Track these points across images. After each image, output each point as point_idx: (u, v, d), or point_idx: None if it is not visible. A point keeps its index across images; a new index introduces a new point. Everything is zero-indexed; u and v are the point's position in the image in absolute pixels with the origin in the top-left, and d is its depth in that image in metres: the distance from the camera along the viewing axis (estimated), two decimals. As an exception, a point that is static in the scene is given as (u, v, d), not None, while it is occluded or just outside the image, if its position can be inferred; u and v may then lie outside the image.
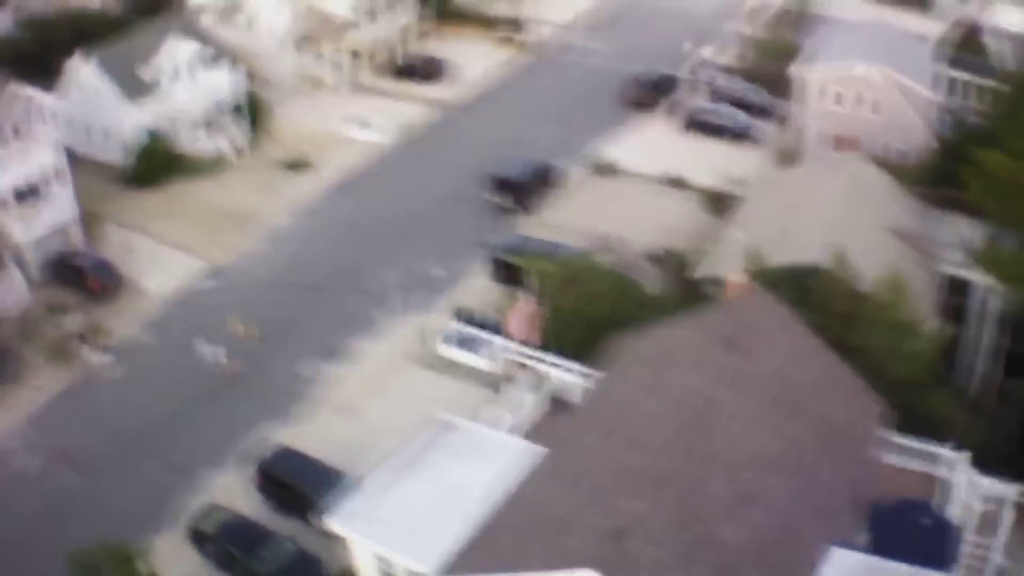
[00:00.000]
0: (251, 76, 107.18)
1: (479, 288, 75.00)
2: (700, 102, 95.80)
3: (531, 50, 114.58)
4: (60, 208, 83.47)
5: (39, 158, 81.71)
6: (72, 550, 50.31)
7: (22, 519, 61.62)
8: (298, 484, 57.89)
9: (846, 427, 40.18)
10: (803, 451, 37.70)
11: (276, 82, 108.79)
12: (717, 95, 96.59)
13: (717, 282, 53.87)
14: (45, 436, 67.48)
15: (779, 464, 36.79)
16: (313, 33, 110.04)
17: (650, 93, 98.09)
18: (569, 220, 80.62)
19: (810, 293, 50.69)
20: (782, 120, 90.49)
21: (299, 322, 75.08)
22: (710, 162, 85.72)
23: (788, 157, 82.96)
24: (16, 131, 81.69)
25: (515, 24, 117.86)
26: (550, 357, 56.64)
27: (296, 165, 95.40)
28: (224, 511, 58.37)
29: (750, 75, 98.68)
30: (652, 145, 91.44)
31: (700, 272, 62.66)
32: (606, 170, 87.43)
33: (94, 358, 73.23)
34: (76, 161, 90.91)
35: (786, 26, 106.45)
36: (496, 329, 65.74)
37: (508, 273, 71.36)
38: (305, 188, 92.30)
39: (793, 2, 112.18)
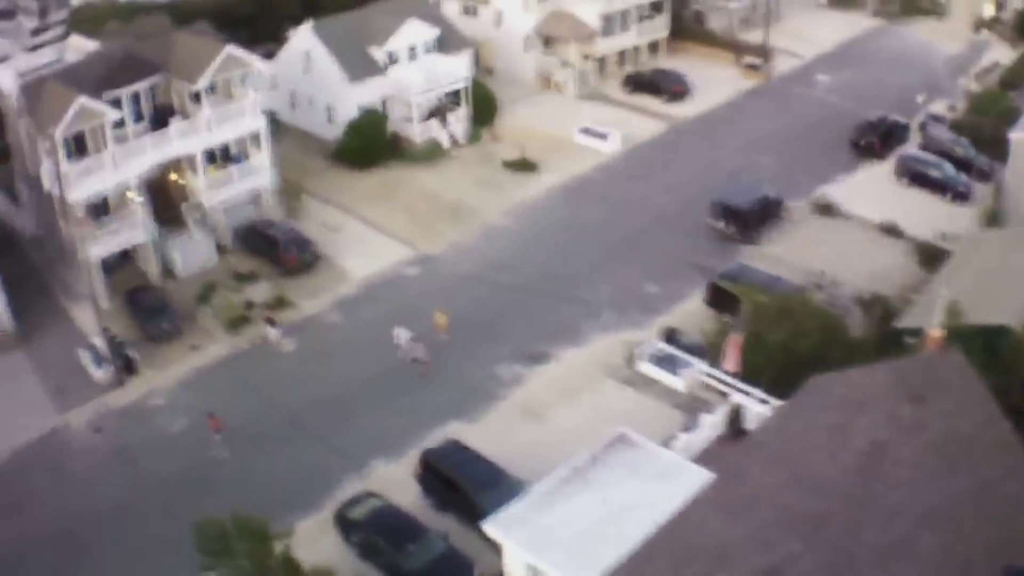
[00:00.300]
0: (487, 71, 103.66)
1: (691, 311, 69.65)
2: (916, 152, 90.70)
3: (766, 78, 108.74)
4: (257, 175, 79.05)
5: (241, 123, 77.32)
6: (200, 519, 44.32)
7: (158, 480, 57.07)
8: (461, 480, 52.53)
9: (1001, 489, 38.47)
10: (956, 507, 36.67)
11: (512, 80, 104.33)
12: (934, 147, 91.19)
13: (917, 334, 54.29)
14: (197, 399, 62.66)
15: (932, 517, 35.87)
16: (557, 36, 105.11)
17: (879, 138, 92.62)
18: (786, 254, 76.05)
19: (998, 355, 50.55)
20: (992, 180, 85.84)
21: (500, 321, 69.51)
22: (924, 213, 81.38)
23: (993, 218, 79.38)
24: (220, 92, 77.88)
25: (754, 50, 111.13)
26: (743, 385, 55.81)
27: (519, 165, 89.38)
28: (378, 499, 52.84)
29: (969, 132, 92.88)
30: (872, 190, 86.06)
31: (902, 322, 61.34)
32: (826, 209, 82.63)
33: (270, 331, 67.95)
34: (283, 130, 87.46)
35: (1011, 87, 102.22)
36: (700, 352, 62.96)
37: (722, 299, 67.21)
38: (526, 189, 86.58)
39: (1020, 65, 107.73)
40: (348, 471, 56.20)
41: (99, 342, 65.54)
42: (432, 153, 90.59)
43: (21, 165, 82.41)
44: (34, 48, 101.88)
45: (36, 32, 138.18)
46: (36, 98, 71.71)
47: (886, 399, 39.65)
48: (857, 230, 79.53)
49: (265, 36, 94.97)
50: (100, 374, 64.84)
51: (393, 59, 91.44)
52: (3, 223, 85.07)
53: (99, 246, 71.01)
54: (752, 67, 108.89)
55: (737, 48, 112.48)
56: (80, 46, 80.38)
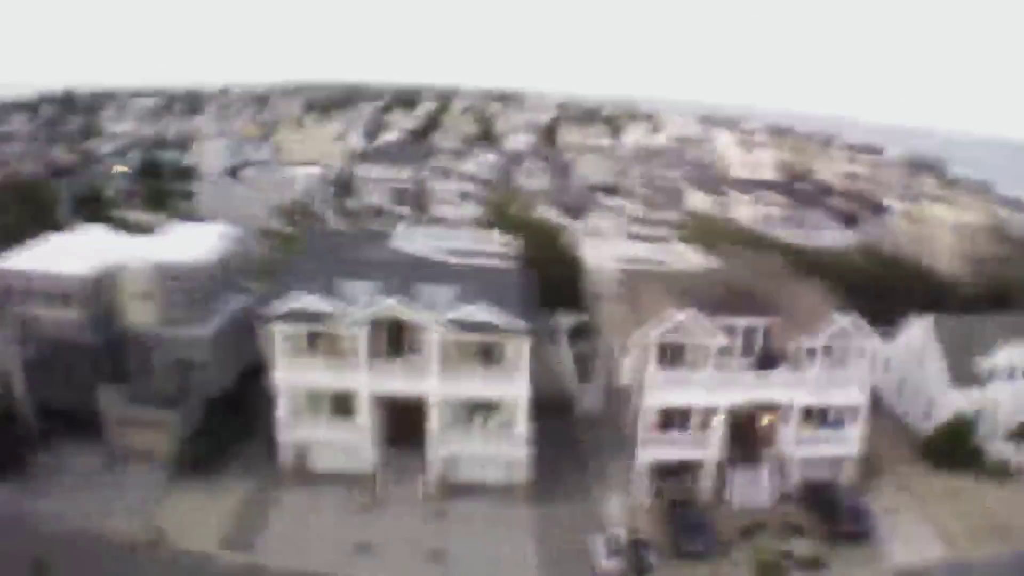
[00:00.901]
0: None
1: None
2: None
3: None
4: (844, 445, 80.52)
5: (847, 393, 79.07)
6: None
7: None
8: None
9: None
10: None
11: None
12: None
13: None
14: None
15: None
16: None
17: None
18: None
19: None
20: None
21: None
22: None
23: None
24: (834, 355, 79.62)
25: None
26: None
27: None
28: None
29: None
30: None
31: None
32: None
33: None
34: (880, 405, 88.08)
35: None
36: None
37: None
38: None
39: None
40: None
41: (620, 534, 67.53)
42: (1002, 473, 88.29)
43: (604, 344, 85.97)
44: (633, 237, 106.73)
45: (638, 220, 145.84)
46: (633, 290, 74.96)
47: None
48: None
49: (880, 313, 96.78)
50: (607, 564, 66.63)
51: (991, 374, 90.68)
52: (564, 392, 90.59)
53: (659, 449, 73.41)
54: None
55: None
56: (687, 256, 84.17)
